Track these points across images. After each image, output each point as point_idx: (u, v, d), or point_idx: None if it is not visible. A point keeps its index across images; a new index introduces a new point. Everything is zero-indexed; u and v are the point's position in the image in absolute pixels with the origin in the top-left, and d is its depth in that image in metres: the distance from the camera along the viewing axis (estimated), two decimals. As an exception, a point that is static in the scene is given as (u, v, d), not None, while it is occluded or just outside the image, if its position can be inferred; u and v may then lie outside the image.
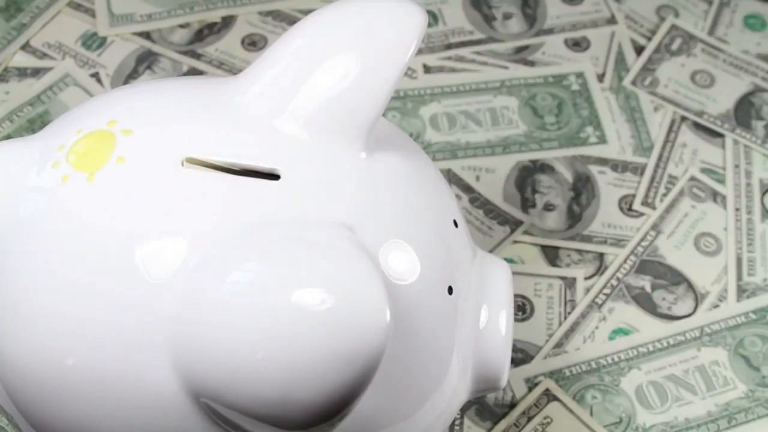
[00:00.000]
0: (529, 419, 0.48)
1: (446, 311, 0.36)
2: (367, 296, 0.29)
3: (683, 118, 0.59)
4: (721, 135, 0.59)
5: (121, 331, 0.32)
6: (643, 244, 0.54)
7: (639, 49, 0.62)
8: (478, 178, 0.56)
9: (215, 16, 0.62)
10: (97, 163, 0.33)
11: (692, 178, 0.57)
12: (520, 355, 0.50)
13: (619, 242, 0.54)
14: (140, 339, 0.31)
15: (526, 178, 0.56)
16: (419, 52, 0.61)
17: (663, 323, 0.52)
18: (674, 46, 0.63)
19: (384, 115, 0.37)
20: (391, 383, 0.34)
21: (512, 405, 0.49)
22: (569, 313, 0.52)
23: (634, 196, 0.56)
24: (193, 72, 0.59)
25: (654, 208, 0.55)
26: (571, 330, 0.51)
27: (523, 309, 0.52)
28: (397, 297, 0.33)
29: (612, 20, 0.63)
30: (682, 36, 0.63)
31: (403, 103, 0.58)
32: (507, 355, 0.38)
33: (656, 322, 0.52)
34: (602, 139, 0.58)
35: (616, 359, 0.50)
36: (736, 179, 0.57)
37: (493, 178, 0.56)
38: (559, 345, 0.51)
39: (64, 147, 0.35)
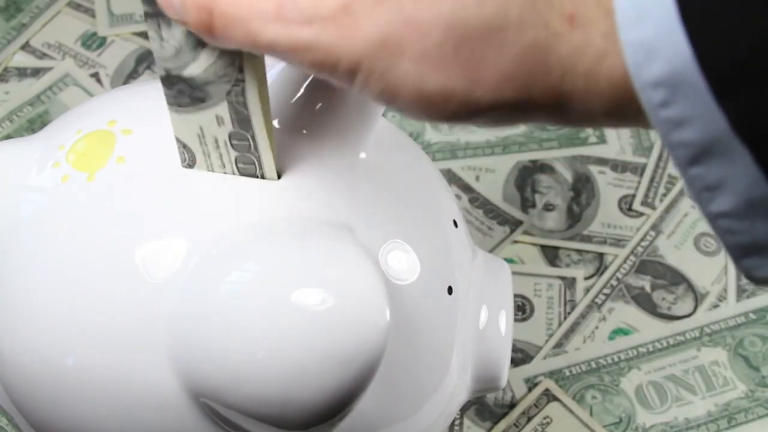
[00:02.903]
0: (529, 419, 0.48)
1: (446, 311, 0.36)
2: (367, 296, 0.29)
3: (683, 118, 0.59)
4: (721, 135, 0.59)
5: (121, 331, 0.32)
6: (643, 244, 0.54)
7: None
8: (478, 178, 0.56)
9: (215, 16, 0.61)
10: (97, 163, 0.33)
11: (692, 178, 0.57)
12: (520, 355, 0.50)
13: (618, 242, 0.54)
14: (140, 339, 0.31)
15: (526, 178, 0.56)
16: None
17: (663, 323, 0.52)
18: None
19: (384, 115, 0.37)
20: (392, 383, 0.34)
21: (512, 405, 0.49)
22: (569, 313, 0.52)
23: (634, 196, 0.56)
24: (193, 72, 0.59)
25: (654, 208, 0.55)
26: (571, 330, 0.51)
27: (523, 309, 0.52)
28: (397, 297, 0.33)
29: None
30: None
31: (403, 103, 0.58)
32: (507, 355, 0.38)
33: (656, 322, 0.52)
34: (602, 139, 0.58)
35: (616, 359, 0.50)
36: (736, 179, 0.57)
37: (493, 178, 0.56)
38: (559, 345, 0.51)
39: (64, 147, 0.35)
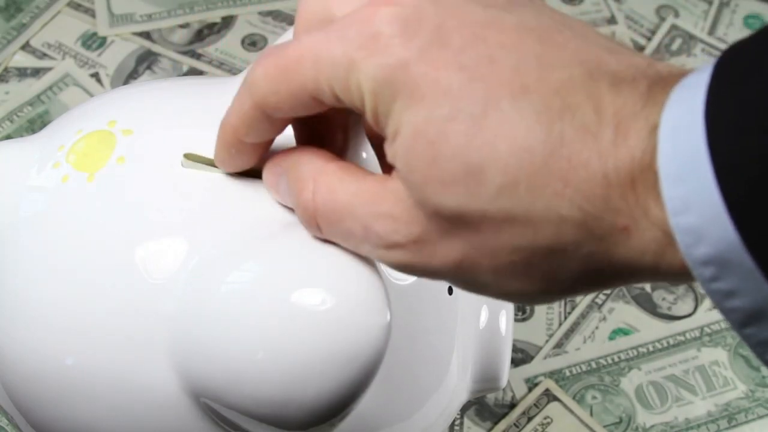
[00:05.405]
0: (529, 419, 0.48)
1: (446, 311, 0.36)
2: (367, 296, 0.29)
3: (683, 118, 0.59)
4: (721, 135, 0.59)
5: (120, 332, 0.31)
6: (643, 244, 0.54)
7: (639, 49, 0.62)
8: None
9: (215, 16, 0.62)
10: (97, 163, 0.33)
11: (692, 178, 0.57)
12: (520, 355, 0.50)
13: (619, 242, 0.54)
14: (140, 339, 0.31)
15: (526, 178, 0.56)
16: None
17: (663, 323, 0.52)
18: (674, 46, 0.62)
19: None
20: (392, 383, 0.34)
21: (512, 405, 0.49)
22: (569, 313, 0.52)
23: (634, 196, 0.56)
24: (193, 72, 0.59)
25: (654, 208, 0.55)
26: (571, 330, 0.51)
27: (523, 309, 0.52)
28: (397, 297, 0.33)
29: (612, 20, 0.63)
30: (682, 36, 0.63)
31: (403, 103, 0.58)
32: (507, 355, 0.38)
33: (656, 322, 0.52)
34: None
35: (616, 359, 0.50)
36: (736, 179, 0.57)
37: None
38: (559, 345, 0.51)
39: (64, 147, 0.35)
